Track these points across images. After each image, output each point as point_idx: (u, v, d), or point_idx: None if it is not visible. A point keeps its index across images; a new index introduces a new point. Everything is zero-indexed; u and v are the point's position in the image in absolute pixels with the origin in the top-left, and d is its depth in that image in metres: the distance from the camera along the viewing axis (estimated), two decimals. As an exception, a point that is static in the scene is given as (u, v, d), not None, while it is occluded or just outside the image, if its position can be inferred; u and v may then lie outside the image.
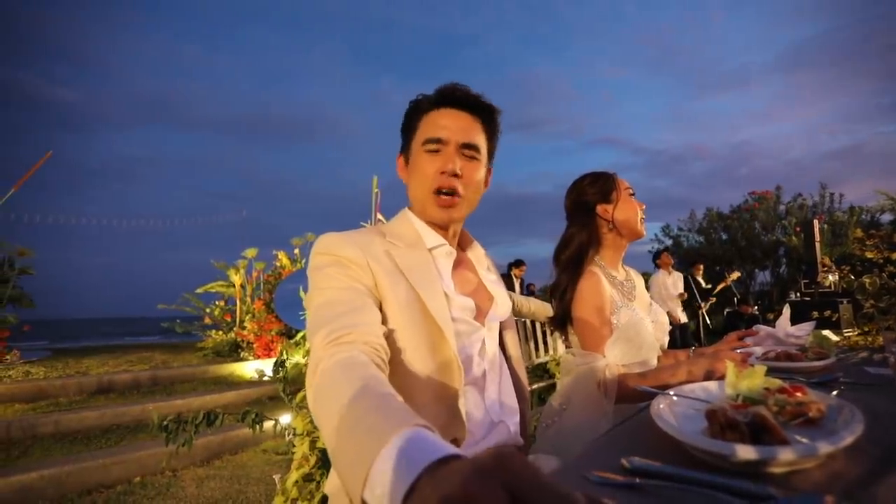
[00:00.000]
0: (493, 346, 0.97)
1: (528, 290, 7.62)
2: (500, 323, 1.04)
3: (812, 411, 0.58)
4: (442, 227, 0.96)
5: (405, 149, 0.98)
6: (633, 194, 1.42)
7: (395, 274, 0.84)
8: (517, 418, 0.98)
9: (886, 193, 1.67)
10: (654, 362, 1.38)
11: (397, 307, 0.81)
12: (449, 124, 0.91)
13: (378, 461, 0.41)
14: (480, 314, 0.94)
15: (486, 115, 0.96)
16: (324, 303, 0.78)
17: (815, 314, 1.55)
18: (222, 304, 6.38)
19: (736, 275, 7.58)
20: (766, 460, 0.45)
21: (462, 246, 1.05)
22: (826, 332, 1.42)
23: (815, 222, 8.40)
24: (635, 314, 1.30)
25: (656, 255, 6.39)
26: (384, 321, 0.81)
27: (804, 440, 0.54)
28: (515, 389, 1.01)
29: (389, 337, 0.80)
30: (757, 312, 7.62)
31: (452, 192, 0.91)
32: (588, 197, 1.41)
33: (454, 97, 0.93)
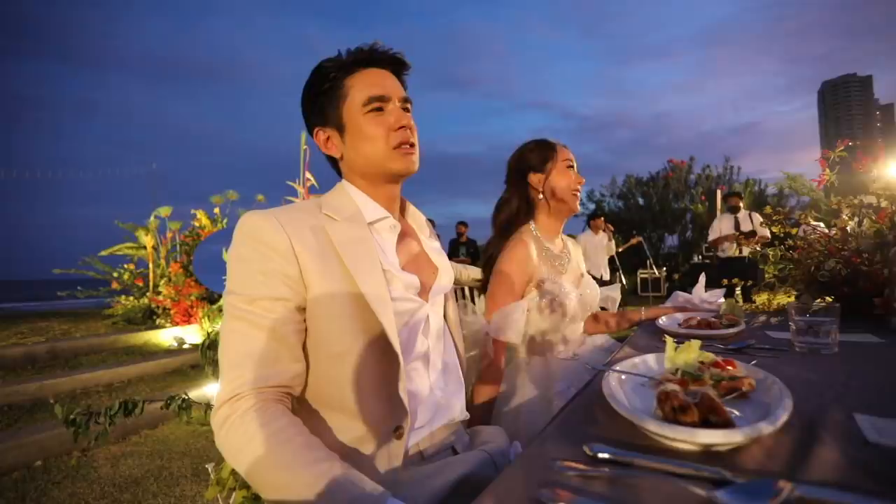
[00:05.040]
0: (437, 321, 0.95)
1: (473, 247, 8.09)
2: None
3: (744, 386, 0.63)
4: (393, 183, 0.91)
5: (330, 121, 0.89)
6: (571, 166, 1.39)
7: (327, 252, 0.78)
8: (463, 393, 0.99)
9: (788, 174, 1.87)
10: (575, 335, 1.42)
11: (328, 290, 0.76)
12: (382, 81, 0.87)
13: None
14: (424, 290, 0.91)
15: (403, 70, 0.94)
16: (235, 356, 0.72)
17: (725, 282, 1.71)
18: (132, 267, 5.78)
19: (636, 240, 8.68)
20: (716, 443, 0.48)
21: (401, 212, 1.01)
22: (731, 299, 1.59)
23: (718, 192, 9.35)
24: (560, 289, 1.30)
25: (591, 217, 6.87)
26: (313, 308, 0.76)
27: (737, 413, 0.59)
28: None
29: (321, 322, 0.76)
30: (641, 241, 8.93)
31: (412, 146, 0.88)
32: (526, 163, 1.40)
33: (378, 56, 0.89)
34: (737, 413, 0.59)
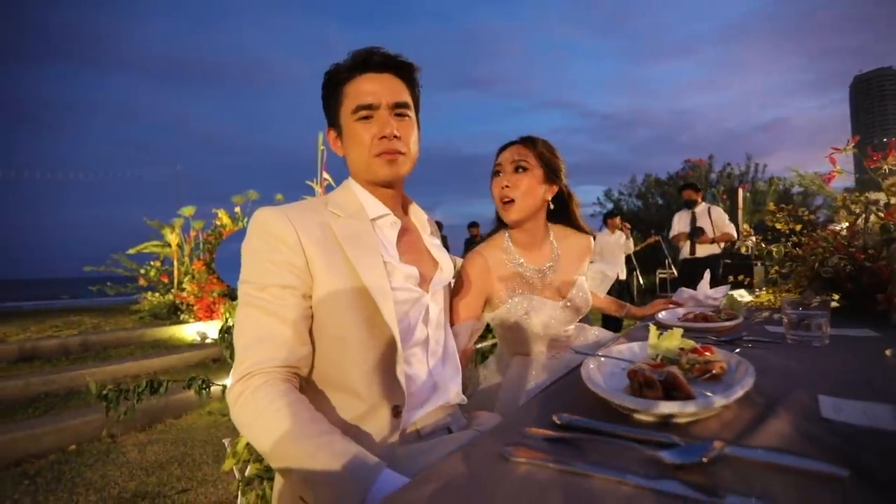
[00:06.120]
0: (437, 312, 1.00)
1: None
2: None
3: (716, 368, 0.67)
4: (386, 187, 0.96)
5: (333, 122, 0.97)
6: (496, 173, 1.27)
7: (331, 246, 0.85)
8: (460, 377, 1.04)
9: (797, 171, 1.86)
10: (575, 331, 1.39)
11: (333, 281, 0.83)
12: (374, 88, 0.90)
13: None
14: (424, 281, 0.97)
15: (406, 73, 0.95)
16: (247, 339, 0.79)
17: (731, 278, 1.72)
18: (158, 264, 6.02)
19: (654, 239, 8.54)
20: (673, 413, 0.52)
21: (403, 210, 1.06)
22: (741, 292, 1.60)
23: (740, 191, 9.15)
24: (528, 304, 1.24)
25: (608, 216, 6.74)
26: (318, 296, 0.82)
27: (708, 393, 0.63)
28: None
29: (326, 311, 0.82)
30: (660, 240, 8.66)
31: (396, 153, 0.92)
32: None
33: (373, 61, 0.91)
34: (708, 393, 0.63)
